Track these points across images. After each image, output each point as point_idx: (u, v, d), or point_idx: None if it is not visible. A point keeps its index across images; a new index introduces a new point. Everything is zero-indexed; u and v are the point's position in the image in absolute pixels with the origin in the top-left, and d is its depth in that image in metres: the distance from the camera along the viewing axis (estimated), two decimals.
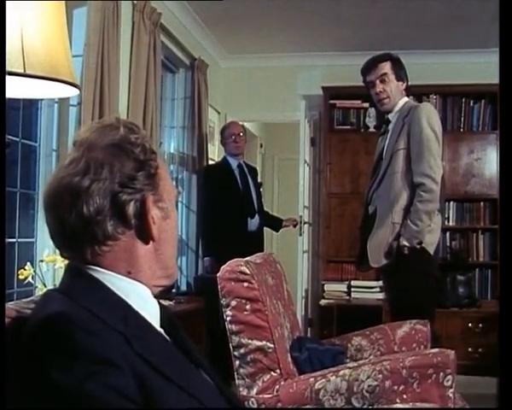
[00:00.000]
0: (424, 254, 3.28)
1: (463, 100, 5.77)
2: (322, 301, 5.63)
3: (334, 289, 5.69)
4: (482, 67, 5.48)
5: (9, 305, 1.21)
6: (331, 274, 5.80)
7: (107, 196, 1.12)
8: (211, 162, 5.62)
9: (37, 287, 3.04)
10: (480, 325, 5.31)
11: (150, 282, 1.20)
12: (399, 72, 3.57)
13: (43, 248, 3.17)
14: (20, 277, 2.86)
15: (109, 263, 1.15)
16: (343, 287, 5.70)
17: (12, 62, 1.96)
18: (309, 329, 5.99)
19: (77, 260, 1.17)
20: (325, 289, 5.72)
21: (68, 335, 1.00)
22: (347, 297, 5.66)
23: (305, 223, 5.79)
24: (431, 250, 3.31)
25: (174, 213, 1.24)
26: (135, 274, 1.17)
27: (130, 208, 1.14)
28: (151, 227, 1.16)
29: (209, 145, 5.66)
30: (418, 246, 3.25)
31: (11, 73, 1.96)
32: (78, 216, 1.12)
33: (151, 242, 1.18)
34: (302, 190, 5.76)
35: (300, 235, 5.73)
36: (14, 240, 3.31)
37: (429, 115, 3.33)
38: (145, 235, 1.17)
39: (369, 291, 5.58)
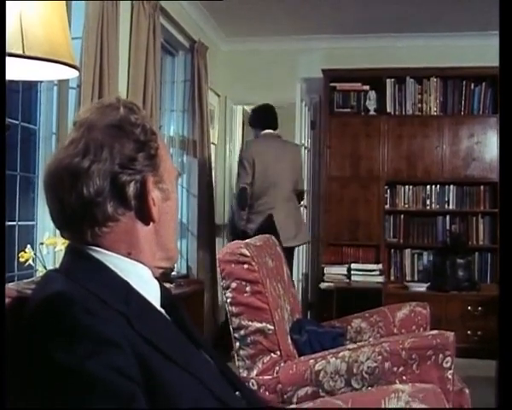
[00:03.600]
0: None
1: (464, 83, 5.75)
2: (322, 285, 5.64)
3: (334, 272, 5.70)
4: (483, 50, 5.45)
5: (10, 285, 1.21)
6: (331, 257, 5.82)
7: (107, 178, 1.12)
8: (212, 146, 5.62)
9: (37, 270, 3.04)
10: (480, 309, 5.32)
11: (151, 263, 1.20)
12: None
13: (44, 231, 3.17)
14: (21, 259, 2.86)
15: (110, 244, 1.15)
16: (343, 270, 5.71)
17: (11, 44, 1.95)
18: (308, 312, 6.01)
19: (77, 241, 1.17)
20: (325, 272, 5.73)
21: (69, 314, 1.00)
22: (347, 280, 5.67)
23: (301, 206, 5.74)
24: None
25: (174, 195, 1.24)
26: (135, 255, 1.17)
27: (131, 189, 1.14)
28: (151, 208, 1.16)
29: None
30: None
31: (10, 55, 1.95)
32: (78, 198, 1.12)
33: (151, 223, 1.18)
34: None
35: None
36: (14, 223, 3.31)
37: None
38: (145, 216, 1.16)
39: (369, 274, 5.60)
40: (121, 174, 1.13)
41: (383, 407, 1.62)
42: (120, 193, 1.13)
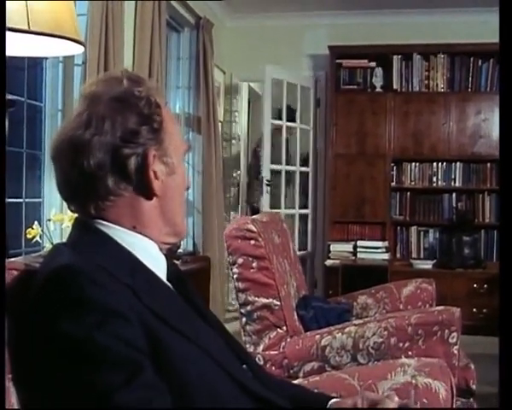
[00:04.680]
0: None
1: (471, 59, 5.69)
2: (328, 262, 5.66)
3: (340, 249, 5.71)
4: (491, 26, 5.38)
5: (18, 259, 1.22)
6: (337, 235, 5.82)
7: (108, 151, 1.11)
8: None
9: (44, 247, 3.05)
10: (485, 286, 5.32)
11: (158, 238, 1.19)
12: None
13: (51, 208, 3.18)
14: (28, 236, 2.86)
15: (114, 218, 1.15)
16: (349, 247, 5.72)
17: (16, 19, 1.94)
18: (314, 290, 6.03)
19: (83, 213, 1.17)
20: (331, 249, 5.74)
21: (77, 286, 1.00)
22: (353, 257, 5.68)
23: (267, 184, 5.74)
24: None
25: (181, 169, 1.22)
26: (140, 229, 1.17)
27: (132, 163, 1.13)
28: (152, 182, 1.14)
29: None
30: None
31: (15, 30, 1.94)
32: (80, 170, 1.12)
33: (155, 198, 1.16)
34: (267, 152, 5.76)
35: (262, 194, 5.74)
36: (21, 200, 3.31)
37: None
38: (146, 190, 1.15)
39: (375, 251, 5.61)
40: (123, 148, 1.12)
41: (389, 380, 1.63)
42: (122, 167, 1.12)
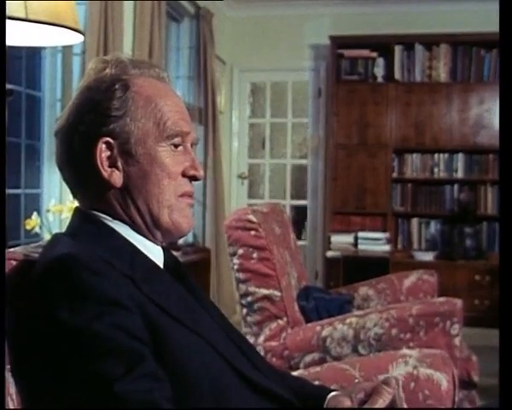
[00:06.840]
0: None
1: (474, 49, 5.65)
2: (329, 253, 5.64)
3: (341, 240, 5.69)
4: (494, 16, 5.34)
5: (17, 249, 1.21)
6: (338, 226, 5.80)
7: (76, 142, 1.12)
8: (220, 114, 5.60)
9: (43, 238, 3.04)
10: (487, 278, 5.30)
11: (145, 232, 1.16)
12: None
13: (50, 199, 3.16)
14: (27, 227, 2.85)
15: (103, 209, 1.14)
16: (350, 238, 5.70)
17: (13, 8, 1.92)
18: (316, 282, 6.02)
19: (79, 202, 1.18)
20: (332, 240, 5.72)
21: (76, 276, 0.99)
22: (354, 249, 5.66)
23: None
24: None
25: (153, 158, 1.12)
26: (125, 220, 1.14)
27: (83, 152, 1.12)
28: (100, 172, 1.11)
29: None
30: None
31: (13, 18, 1.92)
32: (60, 161, 1.17)
33: (120, 189, 1.12)
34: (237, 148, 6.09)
35: None
36: (20, 191, 3.30)
37: None
38: (102, 181, 1.12)
39: (376, 243, 5.59)
40: (77, 137, 1.12)
41: (390, 371, 1.61)
42: (83, 158, 1.12)
